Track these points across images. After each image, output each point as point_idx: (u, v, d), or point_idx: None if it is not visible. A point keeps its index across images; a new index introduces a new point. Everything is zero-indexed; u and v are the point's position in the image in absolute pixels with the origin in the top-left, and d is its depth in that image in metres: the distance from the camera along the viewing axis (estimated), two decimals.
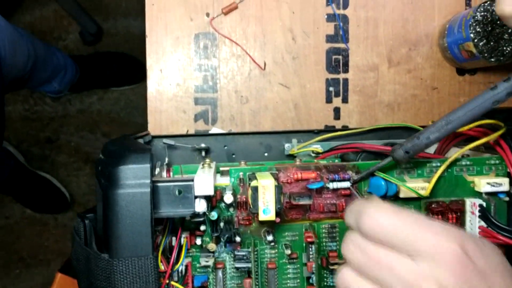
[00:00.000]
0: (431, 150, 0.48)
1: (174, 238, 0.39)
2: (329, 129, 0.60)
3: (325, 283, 0.40)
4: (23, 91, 1.49)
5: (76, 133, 1.52)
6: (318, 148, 0.55)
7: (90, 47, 1.49)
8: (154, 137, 0.55)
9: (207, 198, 0.36)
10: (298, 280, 0.40)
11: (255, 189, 0.36)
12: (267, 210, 0.36)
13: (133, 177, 0.32)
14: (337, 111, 0.62)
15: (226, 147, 0.58)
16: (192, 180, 0.35)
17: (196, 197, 0.35)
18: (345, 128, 0.61)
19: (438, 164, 0.41)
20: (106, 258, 0.33)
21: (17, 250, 1.53)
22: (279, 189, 0.36)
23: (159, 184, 0.34)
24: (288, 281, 0.40)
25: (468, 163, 0.41)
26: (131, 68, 1.48)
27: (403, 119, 0.62)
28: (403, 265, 0.30)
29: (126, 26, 1.51)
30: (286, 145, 0.57)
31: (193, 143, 0.56)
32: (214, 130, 0.60)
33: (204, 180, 0.35)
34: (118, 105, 1.52)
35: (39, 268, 1.53)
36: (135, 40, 1.50)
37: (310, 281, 0.40)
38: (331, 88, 0.61)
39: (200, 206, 0.35)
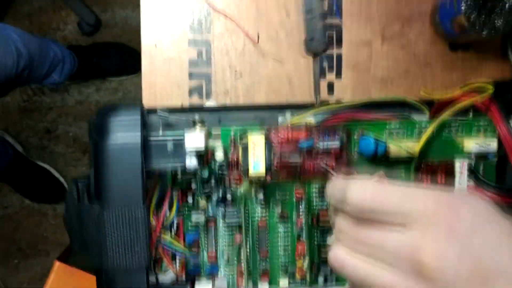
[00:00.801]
0: None
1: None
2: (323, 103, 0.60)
3: (316, 242, 0.41)
4: None
5: (74, 124, 1.53)
6: (311, 120, 0.55)
7: (89, 37, 1.50)
8: (148, 110, 0.56)
9: (198, 156, 0.37)
10: (289, 239, 0.41)
11: (246, 146, 0.37)
12: (257, 165, 0.36)
13: (124, 128, 0.33)
14: (330, 86, 0.62)
15: (220, 121, 0.58)
16: (183, 135, 0.36)
17: (187, 153, 0.36)
18: (338, 102, 0.61)
19: (427, 125, 0.41)
20: (97, 209, 0.33)
21: (16, 241, 1.54)
22: (269, 146, 0.37)
23: (151, 138, 0.35)
24: (279, 239, 0.41)
25: (457, 124, 0.42)
26: (129, 59, 1.48)
27: (396, 94, 0.62)
28: (395, 238, 0.30)
29: (124, 17, 1.51)
30: (280, 118, 0.57)
31: (188, 117, 0.57)
32: (209, 104, 0.60)
33: (195, 135, 0.36)
34: (116, 95, 1.53)
35: (38, 259, 1.53)
36: (133, 31, 1.50)
37: (301, 238, 0.40)
38: (324, 64, 0.62)
39: (191, 162, 0.36)
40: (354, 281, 0.32)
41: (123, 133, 0.32)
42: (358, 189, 0.31)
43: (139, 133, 0.32)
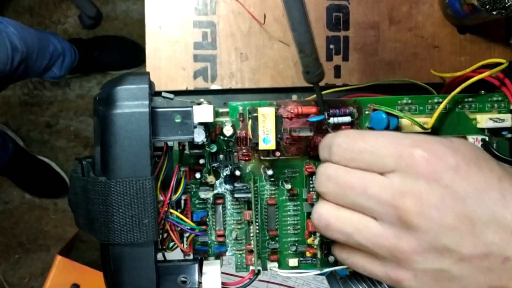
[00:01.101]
0: None
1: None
2: (329, 86, 0.59)
3: None
4: None
5: (75, 118, 1.52)
6: None
7: (89, 31, 1.49)
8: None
9: (206, 130, 0.36)
10: (299, 218, 0.40)
11: (255, 119, 0.36)
12: (267, 138, 0.35)
13: (131, 98, 0.32)
14: (337, 69, 0.61)
15: (225, 104, 0.57)
16: (191, 107, 0.35)
17: (195, 126, 0.35)
18: (345, 85, 0.60)
19: (440, 100, 0.40)
20: (104, 181, 0.32)
21: (17, 235, 1.53)
22: (279, 119, 0.36)
23: (158, 109, 0.34)
24: (289, 218, 0.40)
25: (470, 100, 0.41)
26: (131, 52, 1.47)
27: (403, 77, 0.61)
28: (376, 184, 0.29)
29: (125, 10, 1.50)
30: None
31: (193, 100, 0.56)
32: (214, 87, 0.59)
33: (204, 108, 0.35)
34: None
35: (39, 253, 1.52)
36: (134, 24, 1.50)
37: (311, 216, 0.39)
38: (331, 46, 0.61)
39: (199, 135, 0.35)
40: (341, 239, 0.31)
41: (130, 102, 0.31)
42: (343, 133, 0.32)
43: (147, 102, 0.31)
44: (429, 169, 0.28)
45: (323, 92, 0.54)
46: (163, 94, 0.54)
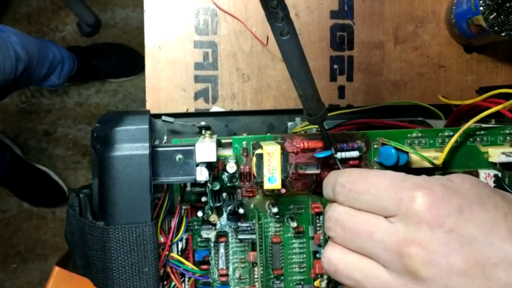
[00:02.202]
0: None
1: (173, 219, 0.37)
2: (333, 107, 0.58)
3: None
4: None
5: (73, 126, 1.50)
6: None
7: (88, 38, 1.47)
8: (152, 115, 0.53)
9: (209, 167, 0.34)
10: (305, 255, 0.38)
11: (260, 157, 0.34)
12: (272, 178, 0.34)
13: (131, 139, 0.30)
14: (341, 89, 0.60)
15: (227, 127, 0.56)
16: (194, 146, 0.33)
17: (197, 165, 0.34)
18: (350, 107, 0.59)
19: (451, 133, 0.39)
20: (102, 226, 0.31)
21: (14, 245, 1.51)
22: (285, 157, 0.34)
23: (159, 149, 0.32)
24: (294, 256, 0.38)
25: (482, 133, 0.39)
26: (129, 60, 1.46)
27: (409, 98, 0.60)
28: (381, 230, 0.28)
29: (124, 17, 1.49)
30: (289, 124, 0.55)
31: (193, 122, 0.54)
32: (215, 109, 0.58)
33: (206, 146, 0.33)
34: (117, 97, 1.50)
35: (36, 263, 1.51)
36: (133, 31, 1.48)
37: (317, 255, 0.38)
38: (335, 66, 0.59)
39: (202, 174, 0.33)
40: (350, 284, 0.30)
41: (130, 144, 0.30)
42: (347, 172, 0.31)
43: (147, 144, 0.30)
44: (431, 215, 0.27)
45: (329, 115, 0.53)
46: (163, 118, 0.52)
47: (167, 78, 0.58)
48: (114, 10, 1.48)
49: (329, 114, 0.53)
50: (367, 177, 0.30)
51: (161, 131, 0.53)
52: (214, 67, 0.58)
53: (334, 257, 0.30)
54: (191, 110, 0.58)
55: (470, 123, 0.38)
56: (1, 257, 1.50)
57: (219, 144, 0.41)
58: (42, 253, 1.51)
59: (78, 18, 1.44)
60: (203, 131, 0.40)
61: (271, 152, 0.34)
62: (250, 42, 0.58)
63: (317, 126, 0.36)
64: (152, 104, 0.58)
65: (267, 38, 0.57)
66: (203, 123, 0.54)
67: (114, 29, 1.49)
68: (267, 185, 0.34)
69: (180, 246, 0.37)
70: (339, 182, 0.30)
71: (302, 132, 0.42)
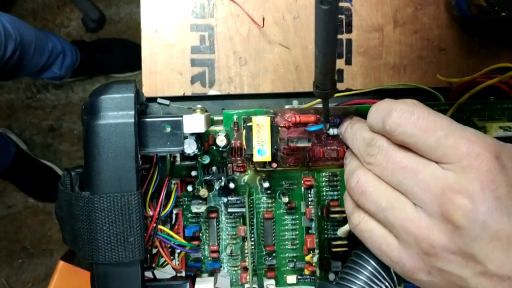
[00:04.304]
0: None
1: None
2: None
3: (326, 235, 0.38)
4: (25, 79, 1.47)
5: (79, 121, 1.51)
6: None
7: (93, 34, 1.48)
8: (148, 99, 0.53)
9: (198, 140, 0.34)
10: (297, 232, 0.38)
11: (250, 129, 0.34)
12: (262, 150, 0.33)
13: (116, 107, 0.30)
14: (340, 73, 0.59)
15: (224, 110, 0.55)
16: (181, 116, 0.33)
17: (186, 137, 0.33)
18: (349, 90, 0.58)
19: (447, 107, 0.38)
20: (87, 196, 0.30)
21: (20, 240, 1.52)
22: (275, 129, 0.34)
23: (146, 119, 0.32)
24: (286, 232, 0.38)
25: (479, 107, 0.39)
26: (134, 55, 1.46)
27: (409, 81, 0.59)
28: (429, 172, 0.27)
29: (128, 12, 1.49)
30: (287, 107, 0.54)
31: (190, 105, 0.54)
32: (212, 93, 0.58)
33: (194, 117, 0.33)
34: None
35: (42, 258, 1.51)
36: (138, 27, 1.47)
37: (310, 231, 0.37)
38: None
39: (190, 147, 0.33)
40: (371, 209, 0.29)
41: (115, 112, 0.29)
42: (406, 109, 0.28)
43: (132, 112, 0.30)
44: (487, 177, 0.26)
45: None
46: (159, 100, 0.52)
47: (164, 62, 0.57)
48: (118, 5, 1.49)
49: None
50: (436, 116, 0.28)
51: (157, 114, 0.52)
52: (211, 50, 0.58)
53: (366, 179, 0.30)
54: (188, 94, 0.57)
55: (466, 96, 0.37)
56: (7, 252, 1.51)
57: (212, 122, 0.41)
58: (47, 249, 1.52)
59: (83, 14, 1.45)
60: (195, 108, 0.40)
61: (261, 124, 0.33)
62: (247, 26, 0.58)
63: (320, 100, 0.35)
64: (149, 89, 0.57)
65: (263, 20, 0.57)
66: (199, 106, 0.54)
67: (118, 24, 1.49)
68: (256, 158, 0.34)
69: (170, 222, 0.36)
70: (399, 109, 0.28)
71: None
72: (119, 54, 1.44)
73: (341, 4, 0.58)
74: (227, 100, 0.55)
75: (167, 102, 0.53)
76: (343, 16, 0.59)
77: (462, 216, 0.26)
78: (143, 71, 0.57)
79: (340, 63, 0.59)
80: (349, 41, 0.59)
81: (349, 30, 0.59)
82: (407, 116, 0.28)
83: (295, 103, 0.55)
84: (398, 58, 0.59)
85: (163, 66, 0.57)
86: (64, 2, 1.47)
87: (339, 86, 0.59)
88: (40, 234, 1.51)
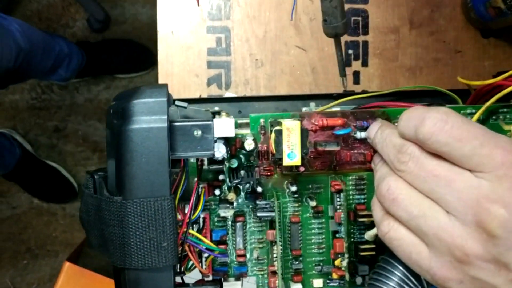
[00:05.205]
0: None
1: (187, 205, 0.36)
2: (348, 93, 0.57)
3: (353, 239, 0.37)
4: (30, 80, 1.47)
5: (84, 122, 1.50)
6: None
7: (98, 34, 1.48)
8: None
9: (226, 144, 0.34)
10: (324, 236, 0.38)
11: (279, 133, 0.34)
12: (292, 154, 0.33)
13: (149, 112, 0.30)
14: (356, 75, 0.59)
15: (240, 112, 0.55)
16: (212, 121, 0.33)
17: (215, 141, 0.33)
18: (365, 92, 0.58)
19: (473, 111, 0.38)
20: (119, 201, 0.30)
21: (25, 241, 1.51)
22: (305, 132, 0.34)
23: (176, 124, 0.32)
24: (313, 236, 0.37)
25: (505, 110, 0.38)
26: (139, 56, 1.46)
27: (425, 83, 0.59)
28: (463, 180, 0.27)
29: (134, 13, 1.49)
30: (304, 109, 0.54)
31: (207, 108, 0.54)
32: (228, 95, 0.57)
33: (225, 121, 0.33)
34: None
35: (47, 259, 1.51)
36: (143, 27, 1.48)
37: (337, 235, 0.37)
38: (350, 51, 0.59)
39: (220, 151, 0.33)
40: (402, 217, 0.29)
41: (148, 116, 0.29)
42: (439, 118, 0.28)
43: (165, 116, 0.29)
44: None
45: (340, 101, 0.52)
46: (177, 102, 0.52)
47: (180, 64, 0.57)
48: (124, 6, 1.48)
49: (343, 100, 0.52)
50: (469, 123, 0.28)
51: (174, 116, 0.52)
52: (227, 52, 0.57)
53: (397, 187, 0.30)
54: (204, 96, 0.57)
55: (493, 100, 0.37)
56: (12, 253, 1.50)
57: (236, 125, 0.41)
58: (52, 250, 1.51)
59: (88, 14, 1.44)
60: (219, 114, 0.40)
61: (291, 127, 0.33)
62: (263, 27, 0.57)
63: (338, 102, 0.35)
64: None
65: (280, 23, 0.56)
66: (216, 108, 0.53)
67: (124, 25, 1.49)
68: (286, 161, 0.33)
69: (197, 226, 0.36)
70: (432, 117, 0.28)
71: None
72: (124, 55, 1.43)
73: (357, 6, 0.58)
74: (243, 102, 0.55)
75: (185, 104, 0.53)
76: (359, 18, 0.58)
77: (499, 226, 0.26)
78: (159, 73, 0.57)
79: (356, 65, 0.59)
80: (365, 43, 0.59)
81: (365, 32, 0.59)
82: (441, 125, 0.28)
83: (312, 105, 0.54)
84: (414, 60, 0.59)
85: (179, 68, 0.57)
86: (69, 3, 1.47)
87: (356, 88, 0.59)
88: (45, 235, 1.51)
